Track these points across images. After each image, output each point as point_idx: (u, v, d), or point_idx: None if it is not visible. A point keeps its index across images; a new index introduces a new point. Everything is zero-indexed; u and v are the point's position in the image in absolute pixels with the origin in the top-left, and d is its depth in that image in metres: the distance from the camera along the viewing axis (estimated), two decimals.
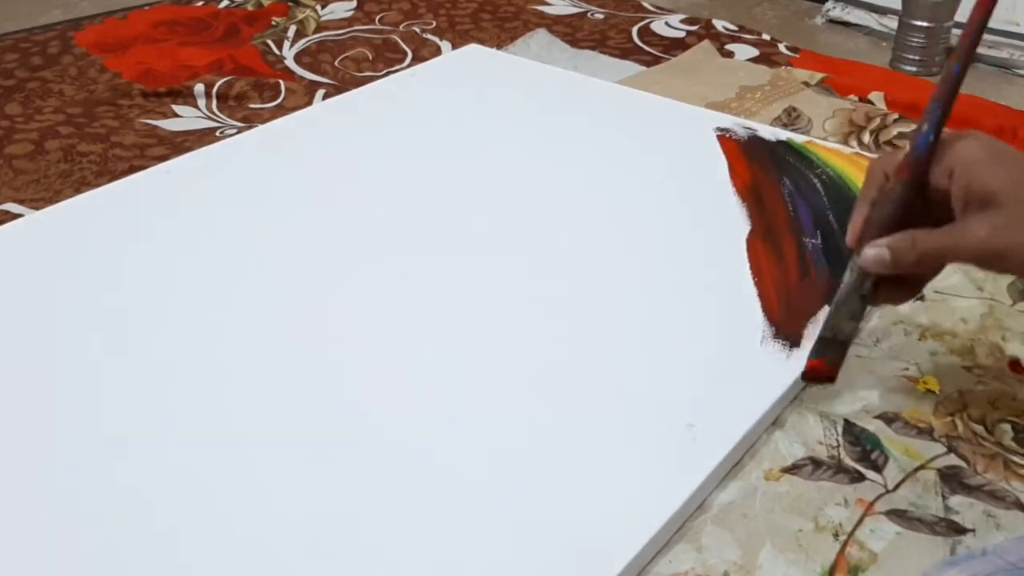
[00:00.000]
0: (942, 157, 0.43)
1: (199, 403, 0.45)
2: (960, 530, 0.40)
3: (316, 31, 0.93)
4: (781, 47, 0.90)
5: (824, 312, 0.51)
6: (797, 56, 0.88)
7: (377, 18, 0.96)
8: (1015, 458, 0.44)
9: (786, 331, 0.50)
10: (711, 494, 0.42)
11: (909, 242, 0.42)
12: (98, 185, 0.64)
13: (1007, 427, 0.46)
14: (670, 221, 0.60)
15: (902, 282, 0.45)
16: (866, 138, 0.72)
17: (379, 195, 0.62)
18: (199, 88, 0.80)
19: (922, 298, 0.54)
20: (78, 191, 0.65)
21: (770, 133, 0.69)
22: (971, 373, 0.49)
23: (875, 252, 0.43)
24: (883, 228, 0.43)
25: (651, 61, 0.87)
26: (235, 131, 0.73)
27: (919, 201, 0.44)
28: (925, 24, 0.87)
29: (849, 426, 0.46)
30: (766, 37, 0.92)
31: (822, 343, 0.45)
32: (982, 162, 0.41)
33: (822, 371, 0.45)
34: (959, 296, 0.55)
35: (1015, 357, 0.50)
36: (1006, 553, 0.37)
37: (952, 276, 0.56)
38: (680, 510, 0.40)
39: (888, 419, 0.46)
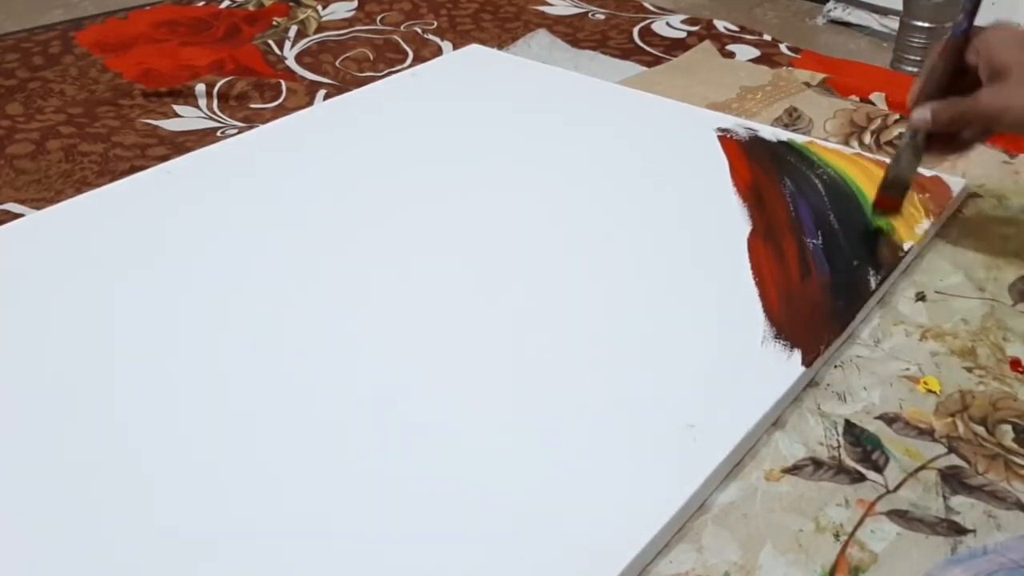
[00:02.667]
0: (975, 40, 0.54)
1: (201, 402, 0.45)
2: (961, 530, 0.40)
3: (317, 31, 0.93)
4: (782, 47, 0.90)
5: (824, 312, 0.51)
6: (798, 56, 0.88)
7: (378, 18, 0.96)
8: (1016, 459, 0.44)
9: (787, 331, 0.50)
10: (711, 494, 0.42)
11: (946, 105, 0.54)
12: (99, 185, 0.64)
13: (1008, 428, 0.46)
14: (671, 221, 0.60)
15: (949, 141, 0.57)
16: (867, 139, 0.72)
17: (380, 195, 0.62)
18: (200, 88, 0.80)
19: (923, 298, 0.54)
20: (79, 191, 0.65)
21: (771, 133, 0.69)
22: (972, 374, 0.49)
23: (920, 112, 0.55)
24: (930, 96, 0.55)
25: (652, 61, 0.87)
26: (236, 131, 0.73)
27: (961, 77, 0.54)
28: (926, 24, 0.87)
29: (850, 426, 0.46)
30: (767, 37, 0.92)
31: (886, 185, 0.58)
32: (1002, 42, 0.52)
33: (888, 204, 0.58)
34: (960, 296, 0.55)
35: (1016, 357, 0.50)
36: (1008, 551, 0.37)
37: (953, 276, 0.56)
38: (681, 510, 0.40)
39: (889, 420, 0.46)
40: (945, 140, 0.56)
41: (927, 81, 0.55)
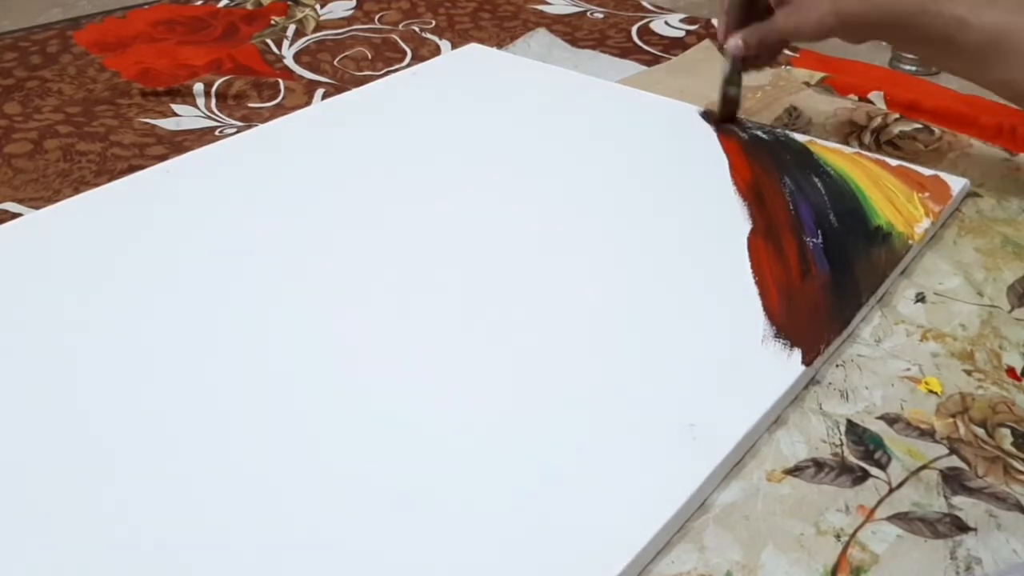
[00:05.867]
0: None
1: (199, 402, 0.45)
2: (963, 527, 0.40)
3: (315, 30, 0.93)
4: None
5: (824, 311, 0.51)
6: (797, 56, 0.88)
7: (376, 17, 0.96)
8: (1014, 462, 0.44)
9: (787, 330, 0.50)
10: (713, 494, 0.42)
11: (751, 31, 0.66)
12: (97, 184, 0.64)
13: (1007, 431, 0.46)
14: (671, 220, 0.60)
15: (759, 59, 0.70)
16: (867, 138, 0.72)
17: (379, 194, 0.62)
18: (198, 87, 0.80)
19: (923, 299, 0.54)
20: (77, 190, 0.64)
21: (771, 133, 0.69)
22: (971, 377, 0.49)
23: (733, 42, 0.67)
24: (736, 28, 0.67)
25: (651, 60, 0.87)
26: (234, 130, 0.73)
27: (755, 6, 0.67)
28: None
29: (852, 426, 0.45)
30: None
31: (721, 104, 0.71)
32: None
33: (726, 118, 0.71)
34: (959, 300, 0.54)
35: (1011, 367, 0.50)
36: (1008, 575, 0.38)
37: (953, 278, 0.56)
38: (681, 510, 0.40)
39: (890, 420, 0.46)
40: (754, 60, 0.70)
41: (730, 16, 0.67)
